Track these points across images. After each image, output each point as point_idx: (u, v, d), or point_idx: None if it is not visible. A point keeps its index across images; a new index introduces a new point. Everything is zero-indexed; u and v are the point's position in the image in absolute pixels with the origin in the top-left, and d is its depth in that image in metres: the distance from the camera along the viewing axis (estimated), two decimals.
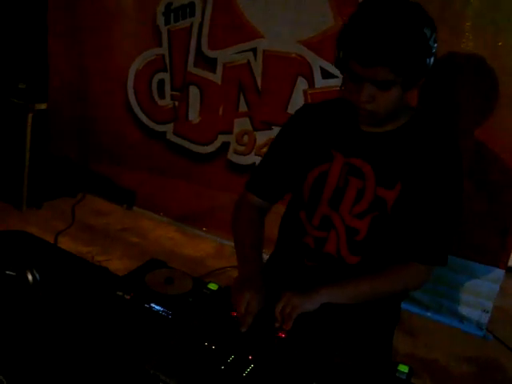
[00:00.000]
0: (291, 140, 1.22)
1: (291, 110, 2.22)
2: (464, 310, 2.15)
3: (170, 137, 2.66)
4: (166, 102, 2.60)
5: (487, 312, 2.10)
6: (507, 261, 2.01)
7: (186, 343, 0.96)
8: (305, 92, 2.22)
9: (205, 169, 2.60)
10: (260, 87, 2.31)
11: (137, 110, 2.69)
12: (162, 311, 1.06)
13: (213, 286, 1.15)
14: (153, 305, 1.08)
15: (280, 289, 1.10)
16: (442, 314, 2.21)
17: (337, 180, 1.15)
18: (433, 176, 1.10)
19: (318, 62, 2.18)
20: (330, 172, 1.16)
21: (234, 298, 1.05)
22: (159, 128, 2.67)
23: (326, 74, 2.16)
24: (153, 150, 2.70)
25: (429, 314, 2.21)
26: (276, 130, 2.26)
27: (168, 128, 2.65)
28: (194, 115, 2.55)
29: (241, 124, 2.43)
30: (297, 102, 2.21)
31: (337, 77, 2.10)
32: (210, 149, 2.57)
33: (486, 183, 1.91)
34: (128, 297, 1.09)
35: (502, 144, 1.84)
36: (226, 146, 2.52)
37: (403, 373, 0.98)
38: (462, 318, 2.16)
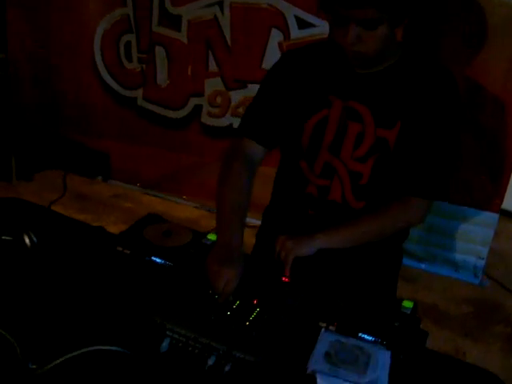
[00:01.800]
0: (282, 87, 1.18)
1: (266, 65, 2.10)
2: (459, 258, 2.10)
3: (141, 103, 2.51)
4: (134, 65, 2.43)
5: (482, 259, 2.05)
6: (500, 204, 1.95)
7: (190, 293, 0.96)
8: (280, 44, 2.09)
9: (179, 135, 2.46)
10: (230, 43, 2.19)
11: (105, 75, 2.52)
12: (164, 263, 1.06)
13: (212, 237, 1.15)
14: (154, 258, 1.07)
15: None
16: (437, 265, 2.15)
17: (336, 125, 1.14)
18: (431, 110, 1.09)
19: (292, 12, 2.06)
20: (329, 118, 1.14)
21: (210, 272, 1.00)
22: (129, 94, 2.51)
23: (303, 24, 2.05)
24: (124, 117, 2.55)
25: (423, 265, 2.16)
26: (251, 87, 2.19)
27: (138, 94, 2.49)
28: (162, 78, 2.40)
29: (212, 84, 2.31)
30: (272, 56, 2.05)
31: (314, 26, 2.01)
32: (182, 113, 2.43)
33: (476, 127, 1.87)
34: (128, 251, 1.08)
35: (493, 88, 1.80)
36: (198, 109, 2.38)
37: (408, 308, 1.00)
38: (457, 267, 2.12)
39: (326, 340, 0.91)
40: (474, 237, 2.03)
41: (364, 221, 1.14)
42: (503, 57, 1.75)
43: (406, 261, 1.97)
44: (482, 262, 2.06)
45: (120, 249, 1.09)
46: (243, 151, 1.19)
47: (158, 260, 1.07)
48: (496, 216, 1.97)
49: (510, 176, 1.91)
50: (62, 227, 1.22)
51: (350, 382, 0.84)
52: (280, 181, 1.30)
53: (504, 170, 1.88)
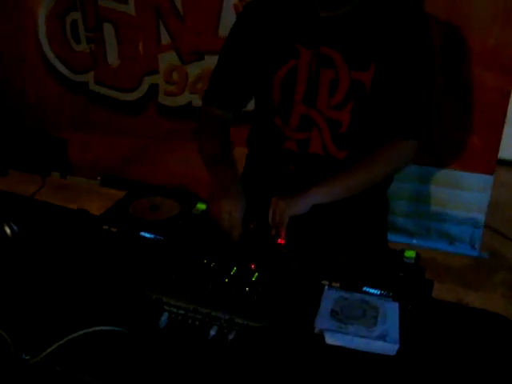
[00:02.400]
0: (245, 40, 1.16)
1: (224, 31, 1.91)
2: (453, 230, 1.92)
3: (93, 87, 2.31)
4: (83, 46, 2.23)
5: (479, 228, 1.87)
6: (495, 165, 1.80)
7: (184, 264, 0.94)
8: (236, 6, 1.93)
9: (136, 119, 2.28)
10: (181, 11, 2.01)
11: (54, 60, 2.31)
12: (154, 238, 1.04)
13: (201, 206, 1.13)
14: (143, 233, 1.05)
15: (265, 199, 1.06)
16: (430, 239, 1.96)
17: (307, 75, 1.10)
18: (405, 49, 1.07)
19: None
20: (298, 68, 1.10)
21: (212, 213, 1.02)
22: (80, 78, 2.31)
23: None
24: (77, 104, 2.35)
25: (414, 241, 1.96)
26: (209, 58, 1.97)
27: (89, 77, 2.29)
28: (112, 58, 2.20)
29: (166, 59, 2.11)
30: (228, 20, 1.84)
31: None
32: (137, 95, 2.24)
33: (462, 84, 1.75)
34: (115, 229, 1.06)
35: (476, 40, 1.68)
36: (154, 88, 2.20)
37: (411, 258, 0.99)
38: (451, 240, 1.94)
39: (330, 298, 0.90)
40: (469, 204, 1.85)
41: (356, 169, 1.12)
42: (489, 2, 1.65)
43: (396, 237, 1.85)
44: (479, 232, 1.87)
45: (106, 227, 1.06)
46: (211, 116, 1.21)
47: (148, 235, 1.05)
48: (491, 178, 1.80)
49: (501, 133, 1.76)
50: (45, 214, 1.19)
51: (360, 336, 0.83)
52: (254, 141, 1.28)
53: (495, 126, 1.73)
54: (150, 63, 2.14)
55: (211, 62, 1.17)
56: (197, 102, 1.23)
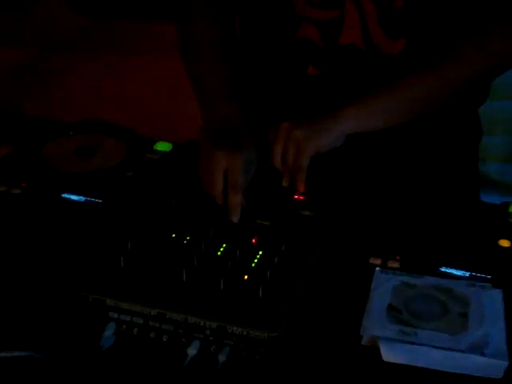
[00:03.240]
0: None
1: None
2: None
3: None
4: None
5: None
6: None
7: (138, 243, 0.93)
8: None
9: None
10: None
11: None
12: (86, 201, 1.05)
13: (163, 147, 1.16)
14: (66, 195, 1.06)
15: (267, 126, 1.07)
16: None
17: None
18: None
19: None
20: None
21: (201, 170, 1.04)
22: None
23: None
24: None
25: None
26: None
27: None
28: None
29: None
30: None
31: None
32: None
33: None
34: (18, 191, 1.06)
35: None
36: None
37: None
38: None
39: (385, 286, 0.89)
40: None
41: (420, 73, 1.10)
42: None
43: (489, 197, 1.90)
44: None
45: (3, 189, 1.06)
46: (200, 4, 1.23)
47: (75, 197, 1.06)
48: None
49: None
50: None
51: (439, 348, 0.79)
52: (248, 29, 1.27)
53: None
54: None
55: None
56: None
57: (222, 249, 0.93)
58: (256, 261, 0.91)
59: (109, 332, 0.83)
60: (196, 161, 1.06)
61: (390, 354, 0.80)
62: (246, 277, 0.88)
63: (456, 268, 0.92)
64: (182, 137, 1.22)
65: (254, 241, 0.94)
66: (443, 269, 0.92)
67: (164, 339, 0.83)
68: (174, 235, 0.95)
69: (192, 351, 0.81)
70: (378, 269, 0.92)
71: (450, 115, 1.21)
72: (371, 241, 0.97)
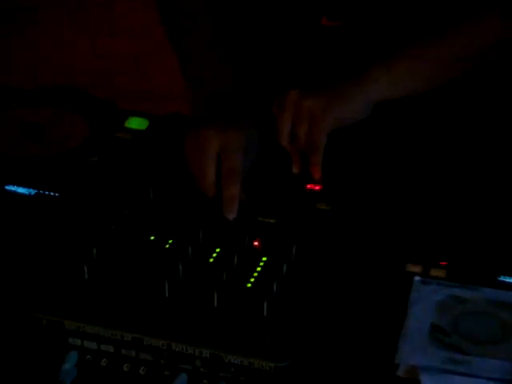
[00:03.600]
0: None
1: None
2: None
3: None
4: None
5: None
6: None
7: (107, 247, 0.93)
8: None
9: None
10: None
11: None
12: (38, 195, 1.05)
13: (138, 123, 1.17)
14: (11, 187, 1.06)
15: (271, 94, 1.08)
16: None
17: None
18: None
19: None
20: None
21: (188, 154, 1.03)
22: None
23: None
24: None
25: None
26: None
27: None
28: None
29: None
30: None
31: None
32: None
33: None
34: None
35: None
36: None
37: None
38: None
39: (427, 300, 0.88)
40: None
41: (463, 23, 1.11)
42: None
43: None
44: None
45: None
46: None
47: (23, 190, 1.07)
48: None
49: None
50: None
51: (500, 381, 0.78)
52: None
53: None
54: None
55: None
56: None
57: (214, 255, 0.92)
58: (259, 269, 0.90)
59: (69, 364, 0.82)
60: (181, 141, 1.04)
61: None
62: (248, 285, 0.88)
63: None
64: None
65: (256, 244, 0.94)
66: (502, 278, 0.91)
67: (141, 372, 0.82)
68: (152, 238, 0.94)
69: None
70: (417, 278, 0.91)
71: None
72: (408, 242, 0.96)
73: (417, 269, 0.92)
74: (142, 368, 0.81)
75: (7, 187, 1.05)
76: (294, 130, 1.02)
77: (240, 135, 1.02)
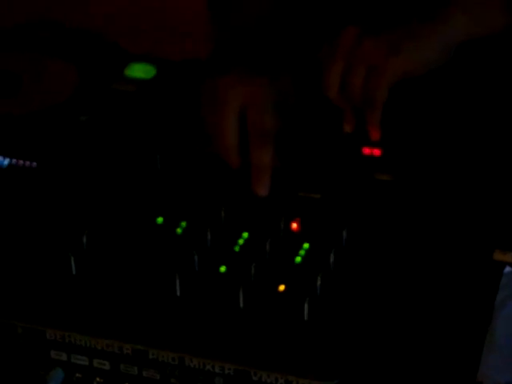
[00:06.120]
0: None
1: None
2: None
3: None
4: None
5: None
6: None
7: (99, 231, 0.95)
8: None
9: None
10: None
11: None
12: (10, 167, 1.09)
13: (142, 71, 1.21)
14: None
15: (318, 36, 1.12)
16: None
17: None
18: None
19: None
20: None
21: (205, 111, 1.05)
22: None
23: None
24: None
25: None
26: None
27: None
28: None
29: None
30: None
31: None
32: None
33: None
34: None
35: None
36: None
37: None
38: None
39: None
40: None
41: None
42: None
43: None
44: None
45: None
46: None
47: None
48: None
49: None
50: None
51: None
52: None
53: None
54: None
55: None
56: None
57: (240, 241, 0.92)
58: (299, 260, 0.90)
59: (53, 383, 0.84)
60: (197, 95, 1.05)
61: None
62: (281, 287, 0.87)
63: None
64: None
65: (294, 226, 0.94)
66: None
67: None
68: (160, 220, 0.95)
69: None
70: (508, 269, 0.92)
71: None
72: (495, 224, 0.97)
73: (507, 258, 0.92)
74: None
75: None
76: (347, 80, 1.02)
77: (270, 85, 1.02)
